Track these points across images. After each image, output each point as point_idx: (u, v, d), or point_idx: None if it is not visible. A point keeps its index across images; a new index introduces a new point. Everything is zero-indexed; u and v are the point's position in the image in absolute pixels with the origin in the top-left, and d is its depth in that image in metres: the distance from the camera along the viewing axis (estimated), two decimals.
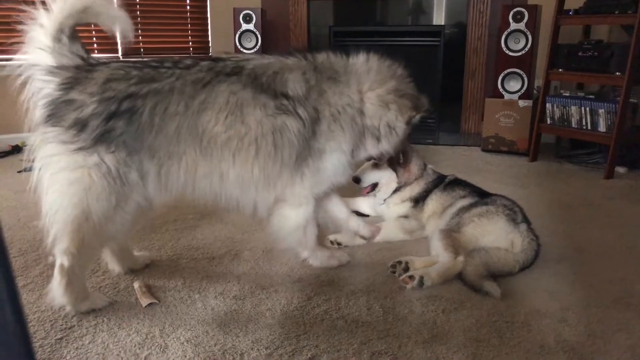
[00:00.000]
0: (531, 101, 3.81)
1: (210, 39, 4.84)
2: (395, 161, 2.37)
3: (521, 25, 3.75)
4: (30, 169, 1.59)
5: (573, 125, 3.56)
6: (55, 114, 1.53)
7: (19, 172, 3.32)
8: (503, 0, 4.11)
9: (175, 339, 1.52)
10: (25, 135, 1.59)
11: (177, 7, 4.72)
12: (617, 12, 3.22)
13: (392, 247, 2.18)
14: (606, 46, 3.36)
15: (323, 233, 2.17)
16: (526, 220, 2.06)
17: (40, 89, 1.56)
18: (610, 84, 3.59)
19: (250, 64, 1.74)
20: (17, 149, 3.83)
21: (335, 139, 1.79)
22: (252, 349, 1.47)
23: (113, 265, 1.92)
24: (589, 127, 3.47)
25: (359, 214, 2.50)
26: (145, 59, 1.89)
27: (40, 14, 1.53)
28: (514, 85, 3.87)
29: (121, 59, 4.33)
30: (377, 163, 2.38)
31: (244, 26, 4.46)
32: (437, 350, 1.47)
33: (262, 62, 1.76)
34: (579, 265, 2.02)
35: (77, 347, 1.48)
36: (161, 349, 1.47)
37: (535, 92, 3.98)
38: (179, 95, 1.61)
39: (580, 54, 3.44)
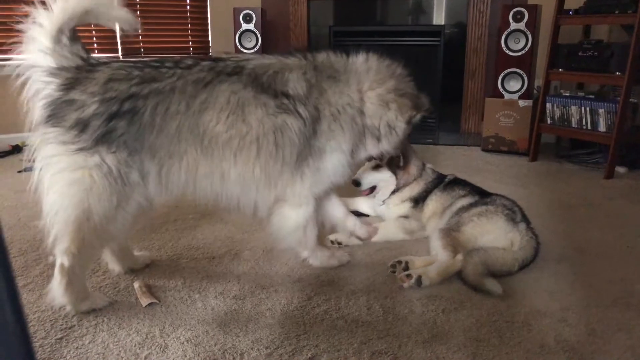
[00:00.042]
0: (531, 101, 3.81)
1: (210, 39, 4.84)
2: (395, 164, 2.36)
3: (521, 25, 3.75)
4: (30, 169, 1.59)
5: (573, 125, 3.56)
6: (55, 114, 1.53)
7: (19, 172, 3.32)
8: (503, 0, 4.11)
9: (175, 339, 1.52)
10: (26, 135, 1.59)
11: (177, 7, 4.72)
12: (617, 11, 3.22)
13: (392, 247, 2.18)
14: (606, 46, 3.36)
15: (323, 233, 2.18)
16: (525, 219, 2.06)
17: (41, 89, 1.56)
18: (610, 84, 3.59)
19: (251, 63, 1.74)
20: (17, 149, 3.83)
21: (335, 138, 1.79)
22: (252, 348, 1.47)
23: (113, 265, 1.92)
24: (589, 127, 3.47)
25: (359, 213, 2.50)
26: (146, 59, 1.89)
27: (40, 15, 1.53)
28: (514, 85, 3.88)
29: (121, 58, 4.33)
30: (376, 165, 2.38)
31: (244, 26, 4.46)
32: (437, 350, 1.47)
33: (263, 62, 1.76)
34: (579, 265, 2.02)
35: (77, 347, 1.48)
36: (161, 349, 1.47)
37: (535, 92, 3.98)
38: (180, 95, 1.61)
39: (580, 53, 3.44)
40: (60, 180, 1.55)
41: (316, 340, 1.51)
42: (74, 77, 1.56)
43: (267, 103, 1.68)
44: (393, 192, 2.40)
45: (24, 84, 1.57)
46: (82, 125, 1.52)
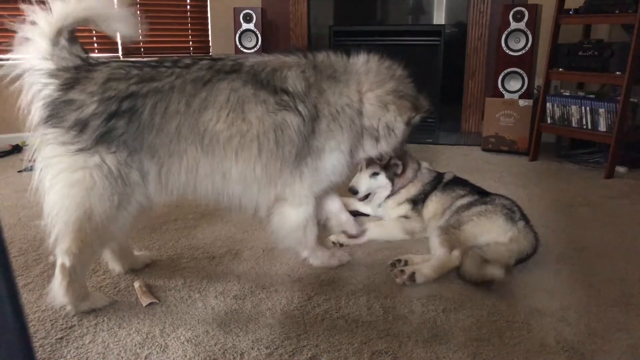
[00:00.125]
0: (531, 100, 3.81)
1: (210, 39, 4.84)
2: (393, 172, 2.35)
3: (521, 25, 3.75)
4: (31, 169, 1.59)
5: (573, 125, 3.56)
6: (55, 114, 1.52)
7: (20, 171, 3.32)
8: (503, 0, 4.11)
9: (175, 339, 1.52)
10: (26, 135, 1.59)
11: (178, 7, 4.73)
12: (617, 11, 3.22)
13: (393, 246, 2.18)
14: (606, 45, 3.36)
15: (324, 233, 2.18)
16: (524, 218, 2.07)
17: (40, 90, 1.55)
18: (610, 83, 3.59)
19: (249, 61, 1.74)
20: (17, 149, 3.84)
21: (334, 138, 1.79)
22: (252, 348, 1.47)
23: (113, 264, 1.92)
24: (589, 127, 3.47)
25: (359, 213, 2.50)
26: (145, 59, 1.89)
27: (39, 16, 1.52)
28: (514, 84, 3.87)
29: (121, 58, 4.33)
30: (374, 173, 2.35)
31: (244, 26, 4.46)
32: (438, 350, 1.47)
33: (261, 60, 1.77)
34: (579, 265, 2.02)
35: (77, 347, 1.48)
36: (161, 349, 1.47)
37: (535, 91, 3.98)
38: (180, 94, 1.61)
39: (580, 53, 3.44)
40: (60, 181, 1.55)
41: (316, 340, 1.51)
42: (73, 77, 1.55)
43: (266, 100, 1.68)
44: (389, 197, 2.39)
45: (23, 85, 1.57)
46: (81, 126, 1.52)
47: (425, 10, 4.67)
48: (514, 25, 3.77)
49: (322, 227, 2.18)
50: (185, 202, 2.49)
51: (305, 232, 1.94)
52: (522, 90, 3.85)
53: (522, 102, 3.83)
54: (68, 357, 1.43)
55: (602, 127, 3.40)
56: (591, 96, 3.51)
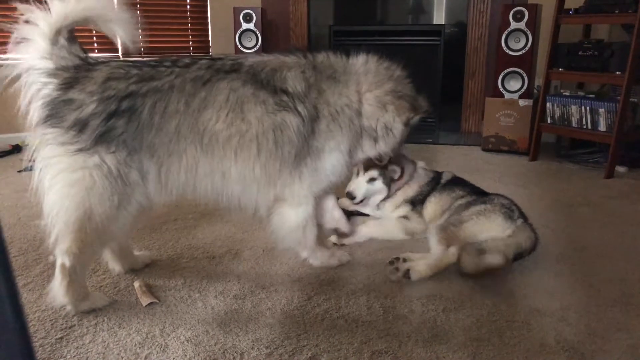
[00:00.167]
0: (531, 100, 3.81)
1: (210, 39, 4.84)
2: (390, 177, 2.33)
3: (521, 25, 3.75)
4: (30, 169, 1.59)
5: (573, 125, 3.56)
6: (54, 114, 1.52)
7: (20, 171, 3.32)
8: (503, 0, 4.11)
9: (175, 339, 1.52)
10: (26, 135, 1.59)
11: (178, 7, 4.73)
12: (617, 11, 3.22)
13: (393, 246, 2.18)
14: (606, 45, 3.36)
15: (323, 233, 2.18)
16: (523, 216, 2.07)
17: (39, 89, 1.55)
18: (610, 83, 3.59)
19: (249, 61, 1.74)
20: (17, 149, 3.84)
21: (334, 138, 1.79)
22: (252, 348, 1.47)
23: (113, 264, 1.92)
24: (589, 127, 3.47)
25: (360, 213, 2.50)
26: (145, 59, 1.89)
27: (38, 16, 1.52)
28: (514, 84, 3.88)
29: (121, 58, 4.33)
30: (371, 179, 2.34)
31: (244, 25, 4.46)
32: (438, 350, 1.47)
33: (261, 60, 1.77)
34: (579, 265, 2.02)
35: (77, 347, 1.48)
36: (161, 349, 1.47)
37: (535, 91, 3.98)
38: (179, 93, 1.61)
39: (580, 53, 3.44)
40: (60, 181, 1.55)
41: (316, 340, 1.51)
42: (72, 76, 1.55)
43: (266, 100, 1.68)
44: (385, 199, 2.38)
45: (23, 84, 1.57)
46: (81, 125, 1.52)
47: (425, 10, 4.67)
48: (514, 25, 3.77)
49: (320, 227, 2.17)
50: (185, 202, 2.49)
51: (304, 233, 1.94)
52: (522, 90, 3.85)
53: (522, 102, 3.83)
54: (68, 357, 1.43)
55: (602, 127, 3.40)
56: (591, 96, 3.51)
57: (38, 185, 1.57)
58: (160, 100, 1.59)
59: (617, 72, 3.22)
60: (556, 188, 3.07)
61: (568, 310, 1.68)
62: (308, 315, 1.65)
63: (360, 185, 2.34)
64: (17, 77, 1.56)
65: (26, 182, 1.58)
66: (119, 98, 1.55)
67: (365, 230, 2.26)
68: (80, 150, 1.52)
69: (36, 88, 1.55)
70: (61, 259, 1.59)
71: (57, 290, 1.60)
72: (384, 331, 1.56)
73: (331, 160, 1.82)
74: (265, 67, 1.73)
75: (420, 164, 2.47)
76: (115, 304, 1.71)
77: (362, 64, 1.86)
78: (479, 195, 2.23)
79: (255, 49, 4.46)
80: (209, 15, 4.79)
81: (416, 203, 2.32)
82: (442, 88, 4.55)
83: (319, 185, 1.87)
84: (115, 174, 1.56)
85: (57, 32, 1.54)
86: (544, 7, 3.82)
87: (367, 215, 2.53)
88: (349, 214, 2.50)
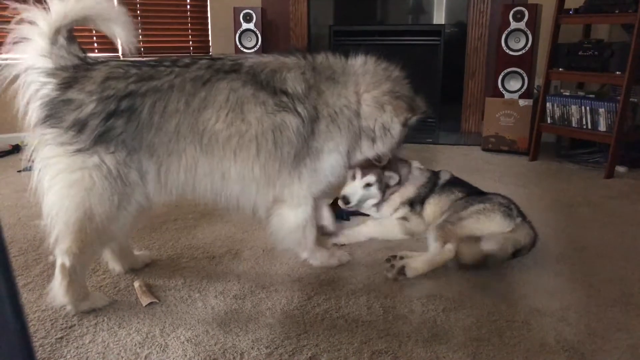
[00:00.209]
0: (531, 100, 3.81)
1: (210, 39, 4.84)
2: (386, 184, 2.32)
3: (521, 25, 3.75)
4: (30, 169, 1.59)
5: (573, 125, 3.56)
6: (53, 114, 1.52)
7: (19, 171, 3.32)
8: (503, 0, 4.11)
9: (175, 338, 1.52)
10: (25, 135, 1.59)
11: (178, 7, 4.73)
12: (617, 11, 3.22)
13: (393, 246, 2.18)
14: (606, 45, 3.36)
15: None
16: (522, 215, 2.08)
17: (38, 89, 1.55)
18: (610, 83, 3.59)
19: (249, 61, 1.74)
20: (17, 148, 3.84)
21: (333, 139, 1.80)
22: (252, 348, 1.47)
23: (113, 264, 1.92)
24: (589, 127, 3.47)
25: (360, 213, 2.50)
26: (144, 59, 1.89)
27: (37, 16, 1.51)
28: (514, 84, 3.88)
29: (121, 58, 4.33)
30: (367, 184, 2.33)
31: (244, 25, 4.46)
32: (437, 350, 1.47)
33: (261, 60, 1.77)
34: (579, 265, 2.02)
35: (77, 347, 1.48)
36: (161, 348, 1.47)
37: (535, 91, 3.98)
38: (179, 93, 1.61)
39: (580, 53, 3.44)
40: (59, 182, 1.54)
41: (316, 340, 1.51)
42: (72, 76, 1.55)
43: (266, 101, 1.68)
44: (379, 203, 2.37)
45: (22, 84, 1.56)
46: (80, 125, 1.51)
47: (425, 10, 4.67)
48: (514, 25, 3.77)
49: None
50: (185, 202, 2.49)
51: (304, 233, 1.94)
52: (522, 90, 3.85)
53: (522, 102, 3.83)
54: (68, 356, 1.43)
55: (602, 127, 3.40)
56: (591, 96, 3.51)
57: (37, 185, 1.57)
58: (160, 100, 1.59)
59: (617, 72, 3.22)
60: (556, 188, 3.06)
61: (568, 310, 1.68)
62: (308, 315, 1.65)
63: (356, 190, 2.32)
64: (17, 77, 1.56)
65: (26, 182, 1.58)
66: (118, 98, 1.54)
67: (365, 230, 2.26)
68: (79, 150, 1.52)
69: (35, 88, 1.55)
70: (61, 259, 1.59)
71: (57, 290, 1.60)
72: (384, 331, 1.56)
73: (330, 160, 1.82)
74: (265, 68, 1.73)
75: (415, 163, 2.45)
76: (115, 303, 1.71)
77: (360, 64, 1.86)
78: (478, 194, 2.23)
79: (255, 49, 4.46)
80: (209, 15, 4.79)
81: (414, 204, 2.32)
82: (442, 88, 4.55)
83: (318, 186, 1.87)
84: (115, 174, 1.56)
85: (57, 32, 1.54)
86: (544, 7, 3.82)
87: (367, 215, 2.53)
88: (350, 214, 2.50)
